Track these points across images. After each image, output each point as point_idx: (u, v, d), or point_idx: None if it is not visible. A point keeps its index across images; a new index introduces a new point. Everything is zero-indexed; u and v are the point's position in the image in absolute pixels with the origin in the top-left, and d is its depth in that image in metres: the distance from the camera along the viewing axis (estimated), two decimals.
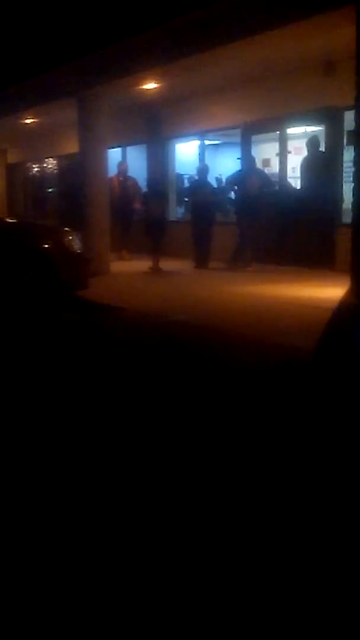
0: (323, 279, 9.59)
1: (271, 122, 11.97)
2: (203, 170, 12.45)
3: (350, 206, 7.70)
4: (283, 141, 12.04)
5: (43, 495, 3.08)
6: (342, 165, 10.70)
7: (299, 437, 3.78)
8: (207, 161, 13.57)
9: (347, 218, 9.42)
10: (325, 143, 11.10)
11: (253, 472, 3.31)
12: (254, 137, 12.62)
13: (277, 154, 12.23)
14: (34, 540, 2.66)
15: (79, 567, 2.47)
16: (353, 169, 7.16)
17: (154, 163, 14.74)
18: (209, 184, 12.40)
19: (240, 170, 11.92)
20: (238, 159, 12.72)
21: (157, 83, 11.35)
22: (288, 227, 11.45)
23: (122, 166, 14.08)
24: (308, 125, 12.14)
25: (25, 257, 7.62)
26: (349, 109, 8.43)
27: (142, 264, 11.78)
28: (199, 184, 12.31)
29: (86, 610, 2.22)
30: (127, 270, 11.80)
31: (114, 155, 14.35)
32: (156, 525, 2.78)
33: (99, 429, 3.96)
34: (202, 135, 13.93)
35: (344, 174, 10.53)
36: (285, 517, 2.84)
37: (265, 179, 11.75)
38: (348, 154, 9.89)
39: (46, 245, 7.84)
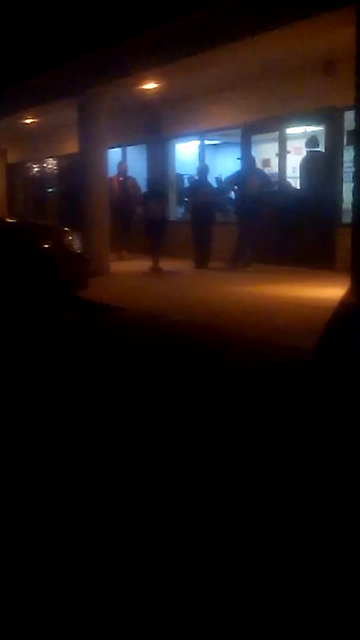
0: (323, 279, 9.59)
1: (271, 122, 11.97)
2: (203, 170, 12.46)
3: (350, 206, 7.70)
4: (283, 141, 12.04)
5: (43, 495, 3.08)
6: (342, 165, 10.70)
7: (299, 437, 3.78)
8: (207, 161, 13.57)
9: (347, 218, 9.41)
10: (325, 143, 11.11)
11: (253, 472, 3.31)
12: (254, 137, 12.62)
13: (277, 154, 12.23)
14: (34, 540, 2.66)
15: (79, 566, 2.48)
16: (353, 169, 7.16)
17: (154, 163, 14.75)
18: (209, 184, 12.40)
19: (240, 170, 11.92)
20: (238, 159, 12.72)
21: (157, 83, 11.35)
22: (288, 227, 11.45)
23: (122, 166, 14.07)
24: (308, 125, 12.14)
25: (25, 257, 7.62)
26: (349, 109, 8.42)
27: (142, 264, 11.78)
28: (199, 184, 12.31)
29: (86, 609, 2.22)
30: (127, 270, 11.79)
31: (114, 155, 14.35)
32: (156, 524, 2.78)
33: (99, 429, 3.96)
34: (202, 135, 13.92)
35: (344, 174, 10.53)
36: (285, 517, 2.84)
37: (265, 179, 11.75)
38: (348, 154, 9.89)
39: (46, 245, 7.84)
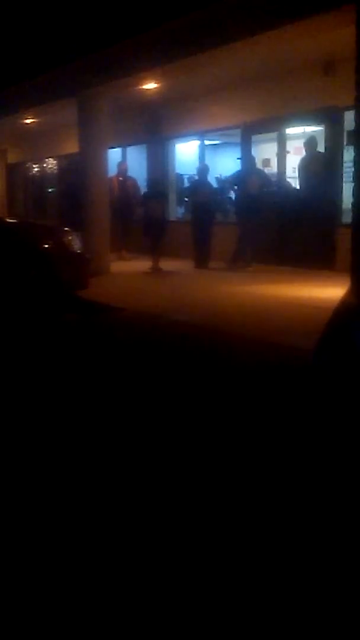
0: (323, 279, 9.58)
1: (271, 122, 11.98)
2: (203, 170, 12.46)
3: (350, 206, 7.69)
4: (283, 141, 12.04)
5: (43, 495, 3.08)
6: (342, 165, 10.70)
7: (298, 437, 3.78)
8: (207, 161, 13.57)
9: (347, 218, 9.41)
10: (325, 143, 11.10)
11: (253, 472, 3.31)
12: (254, 137, 12.62)
13: (277, 154, 12.23)
14: (34, 540, 2.66)
15: (79, 566, 2.48)
16: (353, 169, 7.15)
17: (154, 163, 14.75)
18: (209, 184, 12.40)
19: (240, 170, 11.92)
20: (238, 159, 12.72)
21: (157, 83, 11.35)
22: (288, 227, 11.45)
23: (122, 166, 14.07)
24: (308, 125, 12.14)
25: (25, 257, 7.62)
26: (349, 109, 8.41)
27: (142, 264, 11.78)
28: (199, 184, 12.31)
29: (86, 609, 2.22)
30: (127, 270, 11.79)
31: (114, 155, 14.35)
32: (156, 524, 2.78)
33: (99, 429, 3.96)
34: (202, 135, 13.92)
35: (344, 174, 10.53)
36: (285, 517, 2.84)
37: (265, 179, 11.76)
38: (348, 154, 9.89)
39: (46, 245, 7.84)
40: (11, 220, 11.32)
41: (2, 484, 3.23)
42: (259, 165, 12.59)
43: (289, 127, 12.01)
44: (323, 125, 11.23)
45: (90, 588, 2.34)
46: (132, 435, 3.86)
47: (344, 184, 10.53)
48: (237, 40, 8.68)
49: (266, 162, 13.41)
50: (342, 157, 10.69)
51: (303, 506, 2.95)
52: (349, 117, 9.10)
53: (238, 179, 11.64)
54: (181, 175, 15.04)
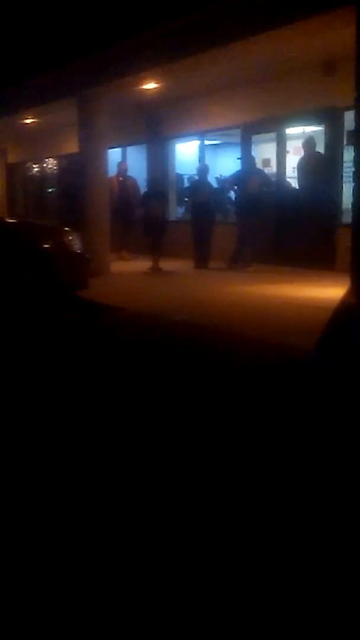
0: (323, 279, 9.59)
1: (271, 122, 11.98)
2: (203, 170, 12.45)
3: (350, 206, 7.70)
4: (283, 141, 12.04)
5: (43, 495, 3.08)
6: (342, 166, 10.70)
7: (298, 437, 3.78)
8: (207, 161, 13.57)
9: (347, 218, 9.41)
10: (325, 143, 11.10)
11: (253, 472, 3.31)
12: (254, 137, 12.63)
13: (277, 154, 12.22)
14: (34, 540, 2.66)
15: (79, 566, 2.48)
16: (353, 169, 7.16)
17: (154, 163, 14.74)
18: (209, 184, 12.40)
19: (240, 170, 11.92)
20: (238, 159, 12.72)
21: (157, 83, 11.35)
22: (288, 227, 11.45)
23: (122, 166, 14.07)
24: (308, 126, 12.14)
25: (25, 257, 7.62)
26: (349, 109, 8.42)
27: (142, 264, 11.78)
28: (199, 184, 12.31)
29: (86, 609, 2.22)
30: (127, 270, 11.80)
31: (114, 155, 14.35)
32: (156, 524, 2.78)
33: (100, 429, 3.96)
34: (202, 135, 13.93)
35: (344, 174, 10.53)
36: (285, 517, 2.85)
37: (265, 179, 11.76)
38: (348, 154, 9.89)
39: (46, 245, 7.84)
40: (11, 220, 11.31)
41: (3, 483, 3.23)
42: (259, 165, 12.59)
43: (289, 127, 12.01)
44: (323, 126, 11.23)
45: (90, 588, 2.34)
46: (132, 434, 3.86)
47: (344, 184, 10.53)
48: (237, 40, 8.68)
49: (266, 162, 13.41)
50: (342, 157, 10.69)
51: (303, 505, 2.95)
52: (349, 117, 9.11)
53: (238, 179, 11.63)
54: (181, 175, 15.04)
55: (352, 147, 7.61)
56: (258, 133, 12.55)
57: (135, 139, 15.01)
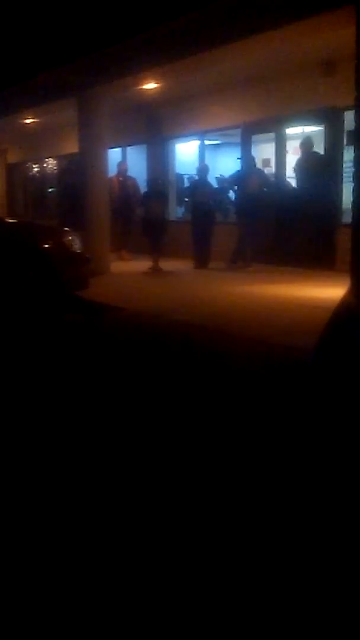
0: (323, 279, 9.59)
1: (271, 122, 11.98)
2: (203, 170, 12.46)
3: (350, 206, 7.70)
4: (283, 141, 12.04)
5: (43, 495, 3.08)
6: (342, 166, 10.70)
7: (299, 437, 3.78)
8: (207, 161, 13.57)
9: (347, 218, 9.41)
10: (325, 143, 11.11)
11: (253, 472, 3.31)
12: (254, 137, 12.63)
13: (276, 154, 12.22)
14: (34, 540, 2.66)
15: (79, 566, 2.48)
16: (353, 169, 7.16)
17: (154, 163, 14.75)
18: (209, 184, 12.40)
19: (240, 170, 11.93)
20: (238, 159, 12.72)
21: (157, 83, 11.35)
22: (288, 227, 11.45)
23: (122, 166, 14.08)
24: (308, 125, 12.14)
25: (25, 257, 7.62)
26: (349, 109, 8.42)
27: (142, 264, 11.78)
28: (199, 184, 12.31)
29: (86, 609, 2.22)
30: (127, 270, 11.80)
31: (114, 155, 14.35)
32: (156, 524, 2.78)
33: (100, 428, 3.96)
34: (202, 135, 13.93)
35: (344, 174, 10.53)
36: (285, 517, 2.85)
37: (265, 179, 11.77)
38: (348, 154, 9.89)
39: (46, 245, 7.84)
40: (11, 220, 11.31)
41: (3, 483, 3.23)
42: (258, 165, 12.59)
43: (288, 127, 12.01)
44: (323, 126, 11.23)
45: (90, 588, 2.34)
46: (132, 434, 3.86)
47: (344, 184, 10.53)
48: (237, 40, 8.69)
49: (266, 162, 13.41)
50: (342, 157, 10.69)
51: (303, 504, 2.95)
52: (349, 117, 9.11)
53: (238, 179, 11.64)
54: (181, 175, 15.04)
55: (352, 147, 7.61)
56: (258, 133, 12.56)
57: (135, 139, 15.01)
